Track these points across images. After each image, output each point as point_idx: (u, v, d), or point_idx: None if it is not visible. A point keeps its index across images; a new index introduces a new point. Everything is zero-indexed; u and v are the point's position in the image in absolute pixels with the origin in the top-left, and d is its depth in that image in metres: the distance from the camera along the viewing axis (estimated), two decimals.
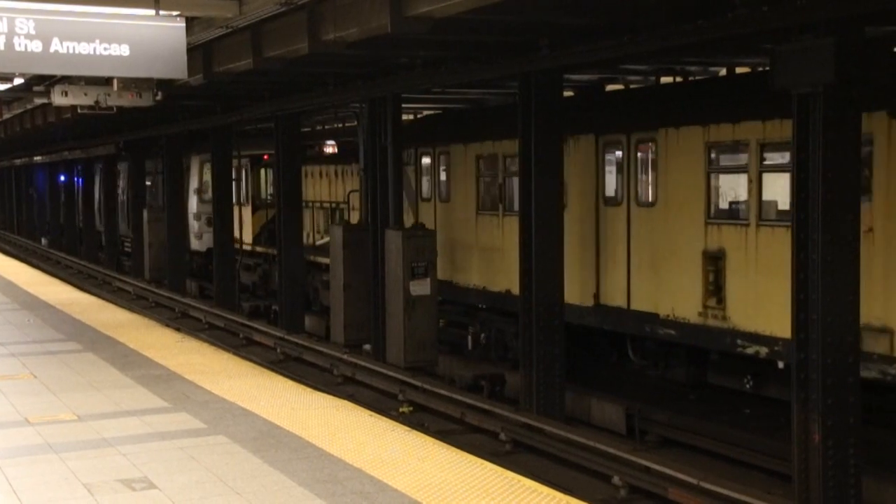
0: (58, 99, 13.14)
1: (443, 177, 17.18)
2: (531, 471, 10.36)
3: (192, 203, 27.38)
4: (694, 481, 9.61)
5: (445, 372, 15.95)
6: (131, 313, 18.70)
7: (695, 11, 9.74)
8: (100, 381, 11.46)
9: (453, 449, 8.78)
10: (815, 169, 8.60)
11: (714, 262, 11.78)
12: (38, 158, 44.71)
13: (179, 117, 24.20)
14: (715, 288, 11.78)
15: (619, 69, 16.08)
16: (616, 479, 10.39)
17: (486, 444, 12.23)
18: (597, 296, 13.77)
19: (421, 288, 15.32)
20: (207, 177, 25.93)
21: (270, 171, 24.27)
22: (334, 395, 12.19)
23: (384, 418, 10.14)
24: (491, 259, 15.62)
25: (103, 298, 22.70)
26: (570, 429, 11.86)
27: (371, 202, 16.52)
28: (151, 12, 9.67)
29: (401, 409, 14.03)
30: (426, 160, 17.71)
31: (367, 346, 16.99)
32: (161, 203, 28.54)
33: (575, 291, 13.65)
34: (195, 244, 27.48)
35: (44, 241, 46.12)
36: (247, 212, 24.92)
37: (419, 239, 15.51)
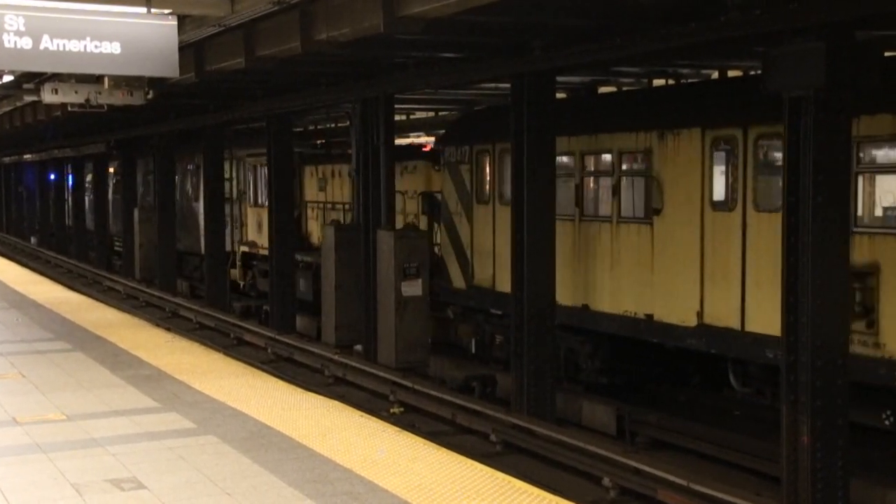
0: (48, 96, 13.10)
1: (505, 176, 15.10)
2: (522, 472, 10.36)
3: (201, 204, 25.84)
4: (684, 483, 9.62)
5: (436, 373, 15.94)
6: (121, 313, 18.63)
7: (687, 14, 9.76)
8: (89, 380, 11.41)
9: (444, 450, 8.76)
10: (805, 172, 8.63)
11: (862, 279, 9.98)
12: (27, 156, 44.58)
13: (171, 116, 24.14)
14: (863, 310, 10.02)
15: (611, 71, 16.13)
16: (606, 481, 10.40)
17: (477, 445, 12.22)
18: (700, 314, 11.88)
19: (412, 289, 15.31)
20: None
21: (293, 171, 23.17)
22: (325, 395, 12.16)
23: (375, 419, 10.12)
24: (563, 270, 13.63)
25: (93, 298, 22.62)
26: (561, 430, 11.87)
27: (363, 202, 16.50)
28: (143, 10, 9.65)
29: (392, 410, 14.02)
30: (483, 158, 16.04)
31: (358, 347, 16.97)
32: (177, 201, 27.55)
33: (673, 308, 12.05)
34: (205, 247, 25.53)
35: (33, 239, 45.97)
36: (265, 214, 22.72)
37: (411, 240, 15.51)
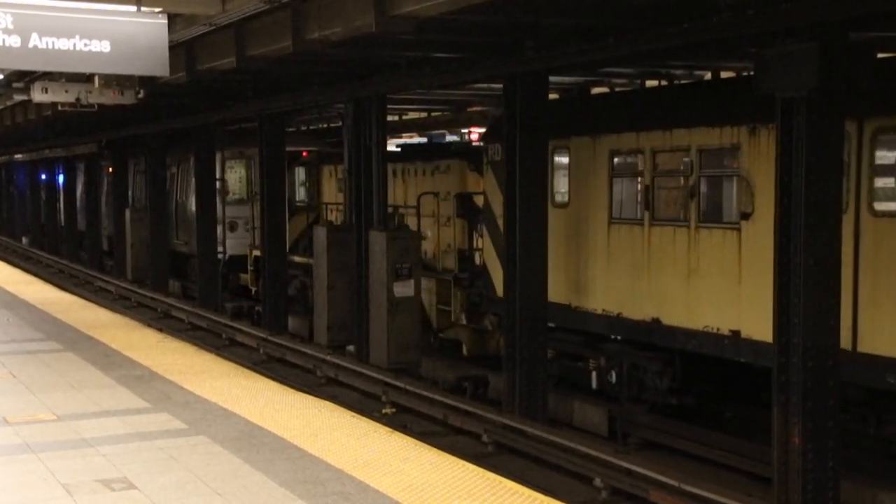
0: (38, 96, 13.04)
1: (558, 176, 14.11)
2: (513, 472, 10.36)
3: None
4: (675, 483, 9.62)
5: (428, 373, 15.92)
6: (113, 313, 18.58)
7: (680, 14, 9.76)
8: (80, 380, 11.37)
9: (435, 450, 8.75)
10: (797, 173, 8.64)
11: None
12: (18, 156, 44.42)
13: (163, 116, 24.09)
14: None
15: (604, 72, 16.14)
16: (597, 481, 10.40)
17: (469, 445, 12.21)
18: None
19: (405, 289, 15.29)
20: (230, 175, 24.31)
21: (310, 171, 22.20)
22: (317, 395, 12.14)
23: (367, 419, 10.11)
24: (629, 280, 12.66)
25: (85, 298, 22.55)
26: (553, 431, 11.86)
27: (356, 203, 16.48)
28: (133, 8, 9.61)
29: (383, 411, 14.00)
30: None
31: (350, 348, 16.95)
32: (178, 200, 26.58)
33: (766, 324, 10.29)
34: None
35: (24, 239, 45.84)
36: None
37: (403, 240, 15.49)
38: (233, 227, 24.09)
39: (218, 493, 7.26)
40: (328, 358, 16.39)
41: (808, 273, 8.62)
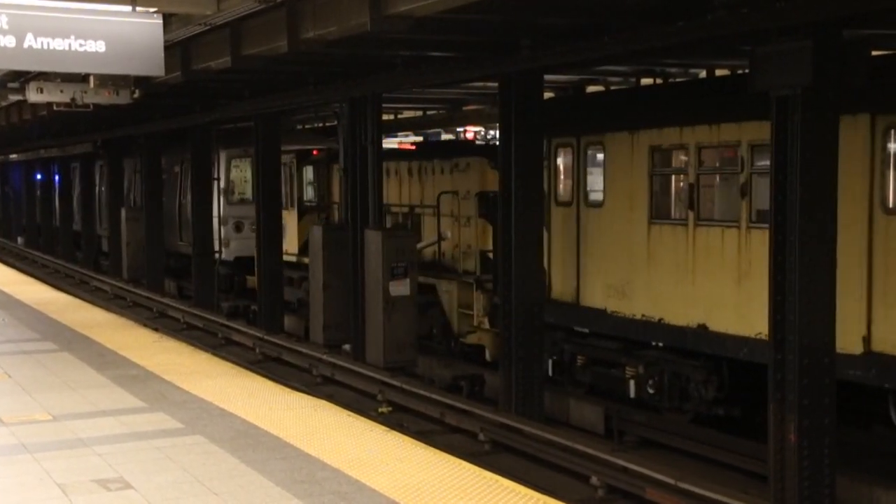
0: (33, 96, 13.01)
1: (592, 174, 13.38)
2: (510, 471, 10.36)
3: (216, 205, 23.85)
4: (671, 481, 9.64)
5: (425, 372, 15.92)
6: (108, 313, 18.56)
7: (675, 13, 9.77)
8: (76, 380, 11.36)
9: (432, 449, 8.76)
10: (792, 171, 8.66)
11: None
12: (14, 156, 44.34)
13: (158, 116, 24.06)
14: None
15: (599, 70, 16.15)
16: (594, 479, 10.41)
17: (465, 444, 12.22)
18: (868, 339, 9.90)
19: (400, 288, 15.29)
20: (236, 174, 23.66)
21: (319, 170, 21.30)
22: (313, 395, 12.14)
23: (363, 418, 10.11)
24: (672, 283, 11.90)
25: (80, 298, 22.52)
26: (549, 429, 11.87)
27: (351, 202, 16.48)
28: (128, 8, 9.60)
29: (380, 410, 14.00)
30: (564, 153, 13.90)
31: (346, 347, 16.95)
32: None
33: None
34: (221, 252, 23.80)
35: (20, 239, 45.77)
36: (291, 217, 21.32)
37: (399, 239, 15.49)
38: (239, 228, 23.35)
39: (214, 493, 7.26)
40: (324, 357, 16.39)
41: (804, 270, 8.64)
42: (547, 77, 13.73)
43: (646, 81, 16.67)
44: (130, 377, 11.53)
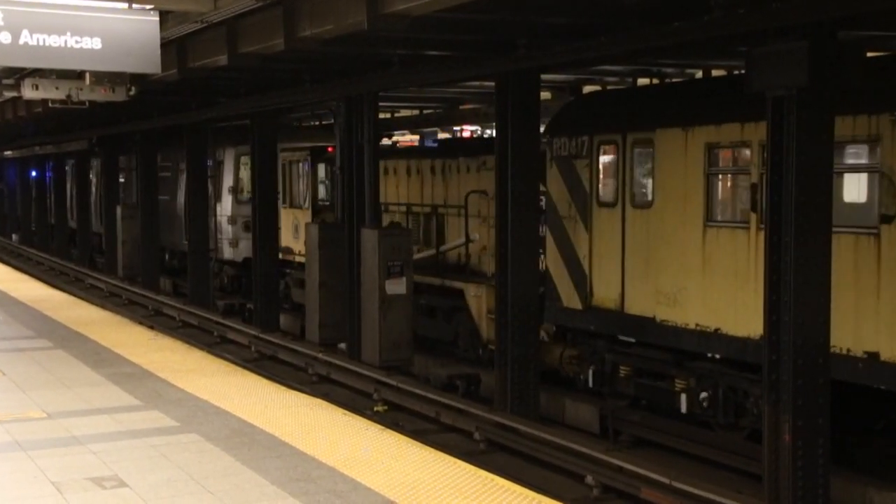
0: (28, 92, 12.99)
1: (639, 173, 12.46)
2: (505, 470, 10.36)
3: (227, 204, 23.22)
4: (666, 481, 9.65)
5: (420, 371, 15.92)
6: (104, 311, 18.55)
7: (671, 14, 9.78)
8: (70, 378, 11.35)
9: (427, 448, 8.76)
10: (788, 171, 8.67)
11: None
12: (8, 153, 44.27)
13: (154, 113, 24.03)
14: None
15: (595, 70, 16.16)
16: (589, 479, 10.42)
17: (461, 443, 12.23)
18: None
19: (397, 287, 15.28)
20: (245, 172, 22.62)
21: (333, 167, 19.56)
22: (309, 393, 12.14)
23: (358, 417, 10.12)
24: (731, 291, 10.98)
25: (75, 295, 22.51)
26: (544, 428, 11.88)
27: (347, 201, 16.48)
28: (124, 5, 9.60)
29: (375, 408, 14.00)
30: (608, 151, 12.89)
31: (342, 345, 16.95)
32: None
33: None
34: (228, 253, 23.15)
35: (14, 237, 45.70)
36: (304, 216, 20.23)
37: (395, 238, 15.48)
38: (248, 227, 21.92)
39: (209, 491, 7.26)
40: (320, 356, 16.38)
41: (799, 271, 8.65)
42: (544, 77, 13.74)
43: (643, 82, 16.69)
44: (125, 375, 11.52)
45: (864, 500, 9.90)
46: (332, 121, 25.28)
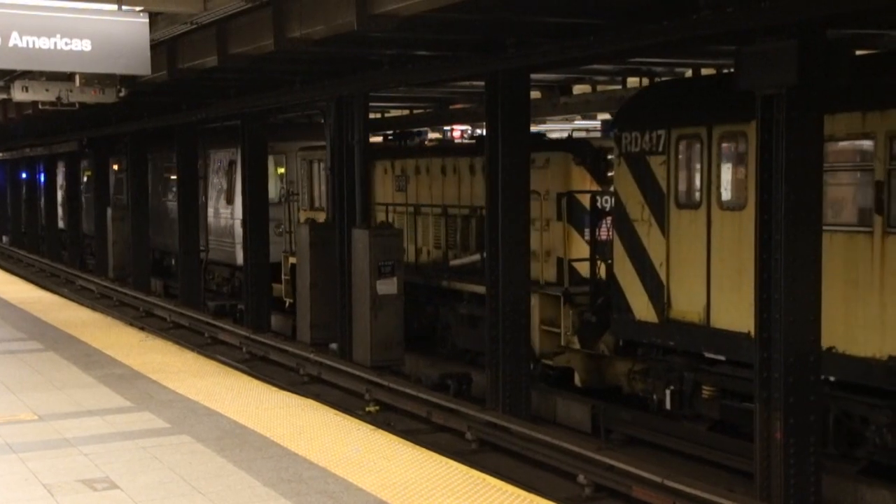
0: (18, 94, 12.98)
1: (727, 171, 11.21)
2: (497, 469, 10.38)
3: (240, 206, 21.04)
4: (658, 479, 9.67)
5: (412, 371, 15.92)
6: (94, 312, 18.50)
7: (660, 12, 9.81)
8: (61, 380, 11.32)
9: (419, 448, 8.77)
10: (777, 169, 8.70)
11: None
12: None
13: (144, 114, 24.00)
14: None
15: (585, 69, 16.18)
16: (581, 478, 10.43)
17: (452, 443, 12.23)
18: None
19: (387, 287, 15.29)
20: None
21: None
22: (300, 394, 12.13)
23: (350, 417, 10.12)
24: (848, 304, 9.74)
25: (66, 297, 22.46)
26: (536, 427, 11.89)
27: (338, 201, 16.48)
28: (114, 7, 9.58)
29: (367, 409, 14.00)
30: (688, 147, 11.67)
31: (333, 346, 16.94)
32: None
33: None
34: (242, 258, 20.78)
35: (5, 238, 45.57)
36: (323, 219, 18.83)
37: (386, 238, 15.48)
38: None
39: (200, 493, 7.25)
40: (311, 356, 16.37)
41: (789, 269, 8.68)
42: (534, 76, 13.75)
43: (632, 81, 16.72)
44: (116, 376, 11.49)
45: (855, 498, 9.93)
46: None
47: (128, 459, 8.09)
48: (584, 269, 13.80)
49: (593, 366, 13.42)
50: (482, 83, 13.98)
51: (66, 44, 9.22)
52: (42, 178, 38.95)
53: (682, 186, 11.74)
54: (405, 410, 13.68)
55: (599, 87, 17.99)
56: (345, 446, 8.47)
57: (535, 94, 17.06)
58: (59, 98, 12.97)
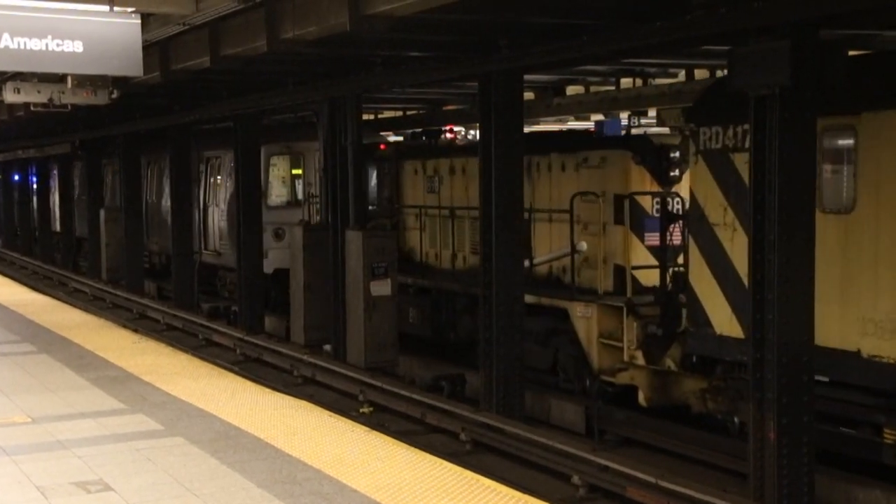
0: (10, 96, 12.93)
1: (831, 169, 9.99)
2: (491, 470, 10.37)
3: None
4: (652, 480, 9.67)
5: (406, 372, 15.91)
6: (88, 314, 18.46)
7: (653, 13, 9.82)
8: (54, 382, 11.29)
9: (413, 449, 8.76)
10: (771, 170, 8.72)
11: None
12: None
13: (137, 116, 23.96)
14: None
15: (578, 70, 16.21)
16: (575, 479, 10.44)
17: (447, 444, 12.23)
18: None
19: (381, 288, 15.29)
20: (275, 174, 21.03)
21: (385, 168, 18.36)
22: (294, 395, 12.12)
23: (344, 419, 10.11)
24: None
25: (59, 299, 22.39)
26: (530, 428, 11.89)
27: (332, 202, 16.46)
28: (105, 8, 9.55)
29: (361, 410, 13.99)
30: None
31: (327, 347, 16.93)
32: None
33: None
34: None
35: None
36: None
37: (379, 239, 15.48)
38: (279, 235, 20.32)
39: (195, 495, 7.24)
40: (305, 358, 16.35)
41: (782, 270, 8.70)
42: (527, 77, 13.75)
43: (625, 82, 16.74)
44: (110, 379, 11.47)
45: (848, 498, 9.95)
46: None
47: (121, 461, 8.08)
48: (643, 277, 13.01)
49: (659, 383, 12.31)
50: (475, 84, 13.97)
51: (58, 45, 9.20)
52: (34, 180, 38.85)
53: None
54: (399, 412, 13.68)
55: (592, 88, 18.02)
56: (339, 447, 8.46)
57: (528, 96, 17.07)
58: (50, 99, 12.92)
